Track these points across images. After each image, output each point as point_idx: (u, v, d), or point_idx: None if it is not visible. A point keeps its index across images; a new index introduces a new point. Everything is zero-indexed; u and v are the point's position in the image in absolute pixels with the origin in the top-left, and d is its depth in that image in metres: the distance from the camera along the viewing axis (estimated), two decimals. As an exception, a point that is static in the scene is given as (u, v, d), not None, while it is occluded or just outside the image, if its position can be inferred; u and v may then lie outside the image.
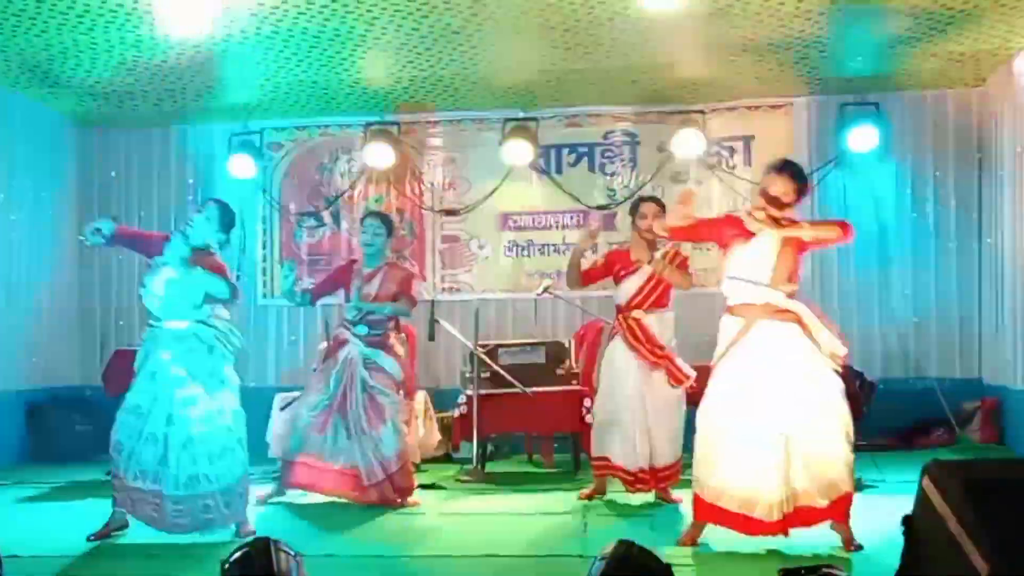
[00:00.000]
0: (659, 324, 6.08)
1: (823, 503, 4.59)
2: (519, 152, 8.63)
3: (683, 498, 5.89)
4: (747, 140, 8.88)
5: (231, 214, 5.40)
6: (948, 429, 8.15)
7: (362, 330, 6.18)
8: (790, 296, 4.74)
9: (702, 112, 8.74)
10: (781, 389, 4.59)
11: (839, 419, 4.62)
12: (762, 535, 4.56)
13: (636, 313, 6.06)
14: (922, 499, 3.17)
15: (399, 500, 6.06)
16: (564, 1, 6.56)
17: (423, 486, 6.67)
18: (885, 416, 7.78)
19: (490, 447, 7.72)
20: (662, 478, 6.01)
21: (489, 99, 8.74)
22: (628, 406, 5.98)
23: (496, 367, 7.16)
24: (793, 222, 4.79)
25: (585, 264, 6.41)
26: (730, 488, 4.61)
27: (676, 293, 6.23)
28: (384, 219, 6.47)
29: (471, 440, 7.13)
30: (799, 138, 8.79)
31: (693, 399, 5.92)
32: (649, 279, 6.07)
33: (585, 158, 9.07)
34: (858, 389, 7.11)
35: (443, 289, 9.07)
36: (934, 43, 7.43)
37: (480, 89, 8.45)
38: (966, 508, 2.91)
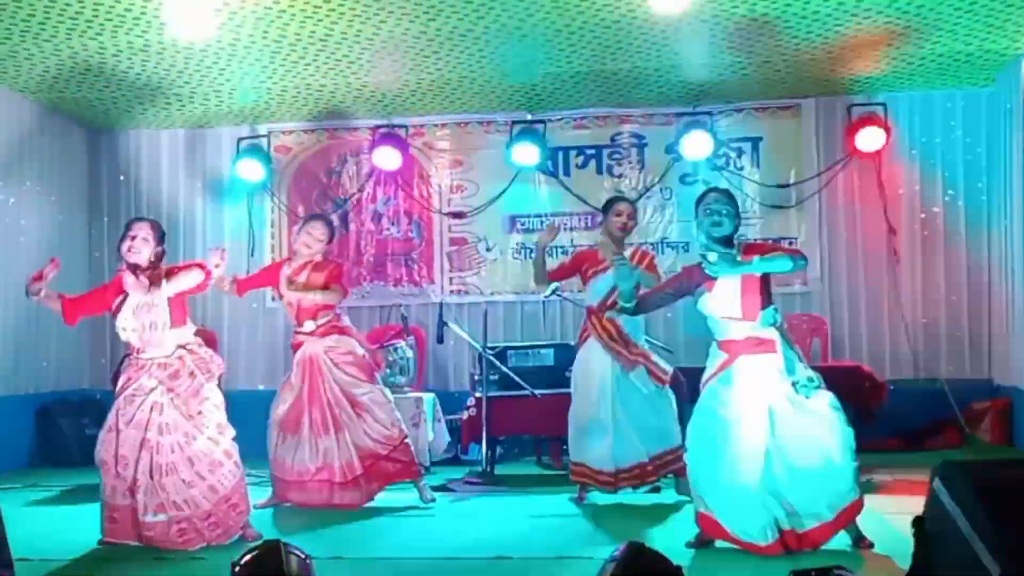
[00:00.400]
0: (630, 323, 6.03)
1: (829, 517, 4.58)
2: (527, 154, 8.64)
3: None
4: (755, 141, 8.88)
5: (159, 226, 5.31)
6: (958, 430, 8.13)
7: (310, 325, 6.16)
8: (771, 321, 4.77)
9: (710, 114, 8.74)
10: (766, 414, 4.62)
11: (834, 432, 4.62)
12: (764, 555, 4.53)
13: (610, 314, 5.99)
14: (933, 500, 3.16)
15: (378, 487, 6.07)
16: (571, 4, 6.56)
17: (432, 488, 6.68)
18: (895, 417, 7.75)
19: (499, 449, 7.72)
20: (665, 464, 5.97)
21: (496, 101, 8.75)
22: (605, 408, 5.94)
23: (505, 369, 7.16)
24: (751, 248, 4.85)
25: (553, 264, 6.43)
26: (725, 511, 4.63)
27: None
28: (328, 224, 6.46)
29: (480, 442, 7.13)
30: (807, 139, 8.79)
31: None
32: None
33: (593, 160, 9.07)
34: (868, 390, 7.10)
35: (451, 291, 9.08)
36: (942, 43, 7.42)
37: (487, 91, 8.46)
38: (977, 509, 2.91)
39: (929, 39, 7.34)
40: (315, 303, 6.14)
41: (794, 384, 4.63)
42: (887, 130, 8.36)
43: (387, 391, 6.29)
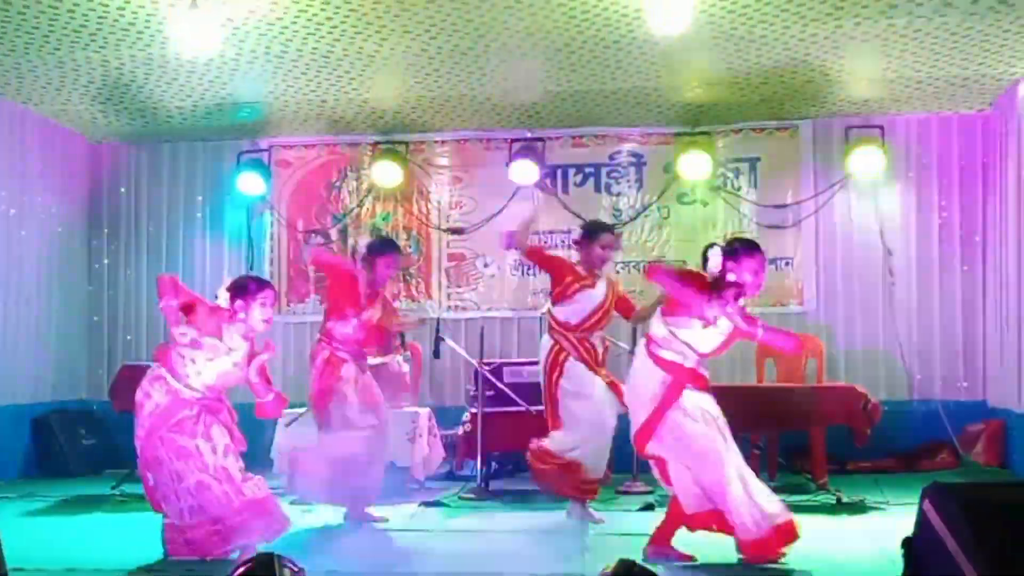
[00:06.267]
0: (600, 345, 6.07)
1: None
2: (525, 171, 8.68)
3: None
4: (753, 162, 8.92)
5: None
6: (952, 451, 8.15)
7: None
8: None
9: (708, 134, 8.79)
10: None
11: None
12: None
13: (594, 336, 6.00)
14: (922, 521, 3.19)
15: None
16: (571, 23, 6.61)
17: (426, 503, 6.69)
18: (890, 438, 7.76)
19: (494, 465, 7.73)
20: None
21: (496, 119, 8.79)
22: (606, 419, 5.98)
23: (501, 385, 7.18)
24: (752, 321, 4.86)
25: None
26: None
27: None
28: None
29: (475, 458, 7.14)
30: (804, 160, 8.83)
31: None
32: (604, 302, 6.00)
33: (591, 178, 9.11)
34: (862, 410, 7.10)
35: (449, 307, 9.11)
36: (939, 66, 7.47)
37: (487, 109, 8.50)
38: (965, 530, 2.93)
39: (927, 63, 7.39)
40: None
41: None
42: (884, 152, 8.40)
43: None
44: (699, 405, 4.74)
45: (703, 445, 4.66)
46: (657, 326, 4.87)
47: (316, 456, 5.95)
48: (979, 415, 8.33)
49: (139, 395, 5.01)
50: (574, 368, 5.96)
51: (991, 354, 8.39)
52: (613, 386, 5.95)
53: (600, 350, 6.01)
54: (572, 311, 5.99)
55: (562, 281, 6.04)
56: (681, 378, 4.74)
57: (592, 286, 5.99)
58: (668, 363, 4.77)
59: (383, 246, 6.31)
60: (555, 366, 6.00)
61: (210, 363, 4.92)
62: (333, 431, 5.91)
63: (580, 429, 5.97)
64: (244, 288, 4.99)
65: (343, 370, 5.92)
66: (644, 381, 4.82)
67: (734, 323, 4.67)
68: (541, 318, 8.37)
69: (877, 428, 7.26)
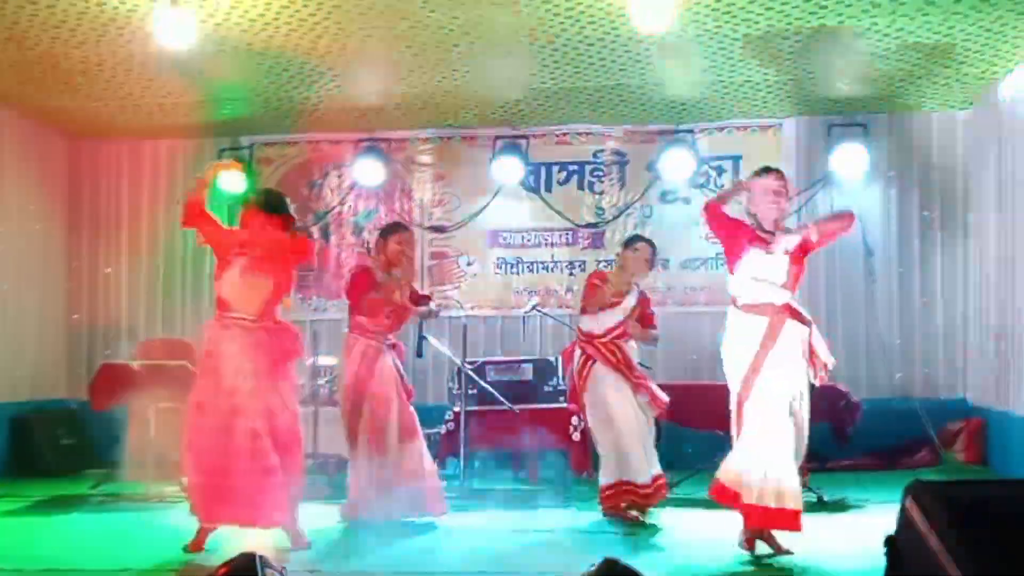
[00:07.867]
0: (629, 350, 6.18)
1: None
2: (509, 169, 8.68)
3: None
4: (736, 159, 8.94)
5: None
6: (932, 449, 8.18)
7: None
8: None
9: (691, 131, 8.80)
10: (801, 401, 4.93)
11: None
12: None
13: (619, 341, 6.13)
14: (904, 519, 3.19)
15: None
16: (555, 21, 6.60)
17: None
18: (870, 436, 7.78)
19: (476, 463, 7.71)
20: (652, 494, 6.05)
21: (479, 116, 8.77)
22: (633, 423, 6.01)
23: (483, 384, 7.17)
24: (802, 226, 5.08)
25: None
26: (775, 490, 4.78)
27: (660, 312, 6.30)
28: None
29: (457, 456, 7.13)
30: (787, 158, 8.83)
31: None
32: (627, 317, 6.14)
33: (575, 176, 9.11)
34: (842, 409, 7.13)
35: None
36: (920, 66, 7.50)
37: (470, 106, 8.48)
38: (948, 528, 2.93)
39: (909, 61, 7.42)
40: None
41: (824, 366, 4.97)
42: (866, 151, 8.44)
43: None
44: None
45: None
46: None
47: None
48: (959, 413, 8.38)
49: None
50: (599, 373, 6.08)
51: (971, 352, 8.44)
52: (646, 390, 6.07)
53: (628, 353, 6.13)
54: (596, 324, 6.14)
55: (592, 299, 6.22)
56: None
57: (616, 306, 6.12)
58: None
59: (393, 225, 6.57)
60: (581, 373, 6.16)
61: None
62: None
63: (608, 439, 6.04)
64: None
65: None
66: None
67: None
68: (523, 317, 8.41)
69: (858, 426, 7.32)
